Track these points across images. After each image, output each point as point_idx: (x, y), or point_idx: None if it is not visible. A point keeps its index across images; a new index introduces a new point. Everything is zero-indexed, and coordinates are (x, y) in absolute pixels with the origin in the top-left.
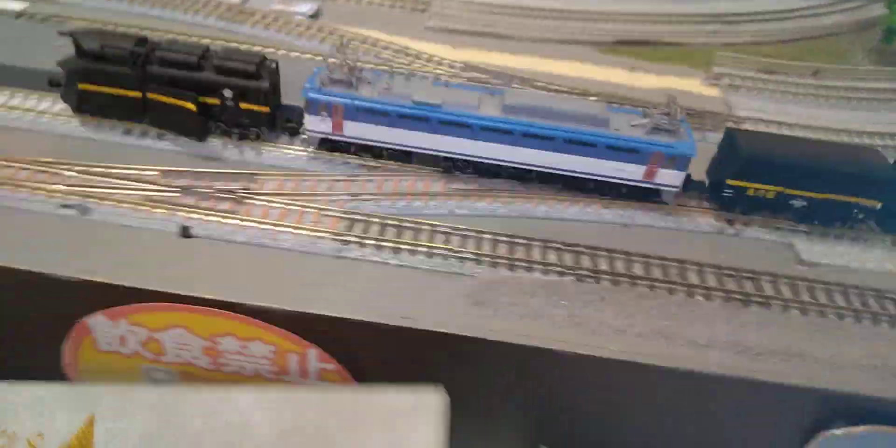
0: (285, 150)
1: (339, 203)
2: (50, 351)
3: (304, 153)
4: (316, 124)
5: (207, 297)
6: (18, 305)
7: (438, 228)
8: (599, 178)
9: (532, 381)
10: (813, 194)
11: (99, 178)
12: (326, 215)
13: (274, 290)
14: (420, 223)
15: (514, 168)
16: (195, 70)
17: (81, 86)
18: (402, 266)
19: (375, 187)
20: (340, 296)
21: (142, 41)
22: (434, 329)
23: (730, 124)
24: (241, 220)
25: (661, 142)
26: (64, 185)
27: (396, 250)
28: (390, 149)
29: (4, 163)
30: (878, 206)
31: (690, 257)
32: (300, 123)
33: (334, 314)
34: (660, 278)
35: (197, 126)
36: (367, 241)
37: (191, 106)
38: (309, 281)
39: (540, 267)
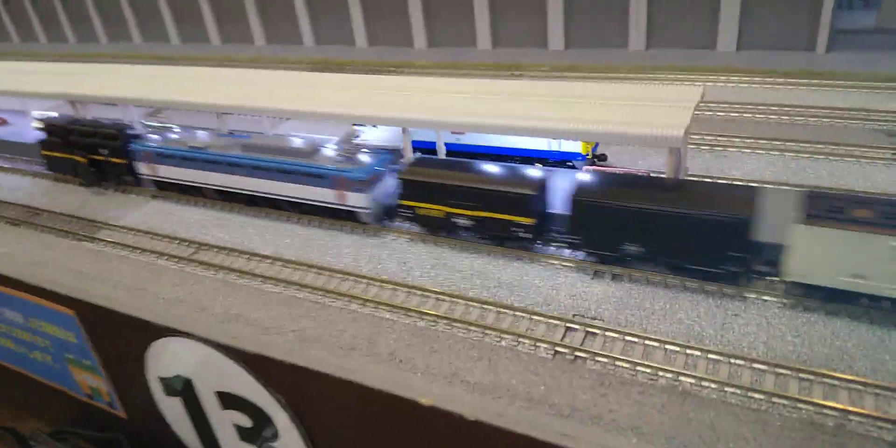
0: None
1: None
2: None
3: None
4: (142, 169)
5: None
6: None
7: None
8: (311, 202)
9: None
10: (473, 213)
11: None
12: None
13: None
14: None
15: (258, 196)
16: (89, 137)
17: (43, 152)
18: None
19: None
20: None
21: (74, 122)
22: None
23: None
24: None
25: (340, 168)
26: None
27: None
28: (187, 185)
29: None
30: (533, 223)
31: None
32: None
33: None
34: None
35: (90, 175)
36: None
37: (83, 160)
38: None
39: None
